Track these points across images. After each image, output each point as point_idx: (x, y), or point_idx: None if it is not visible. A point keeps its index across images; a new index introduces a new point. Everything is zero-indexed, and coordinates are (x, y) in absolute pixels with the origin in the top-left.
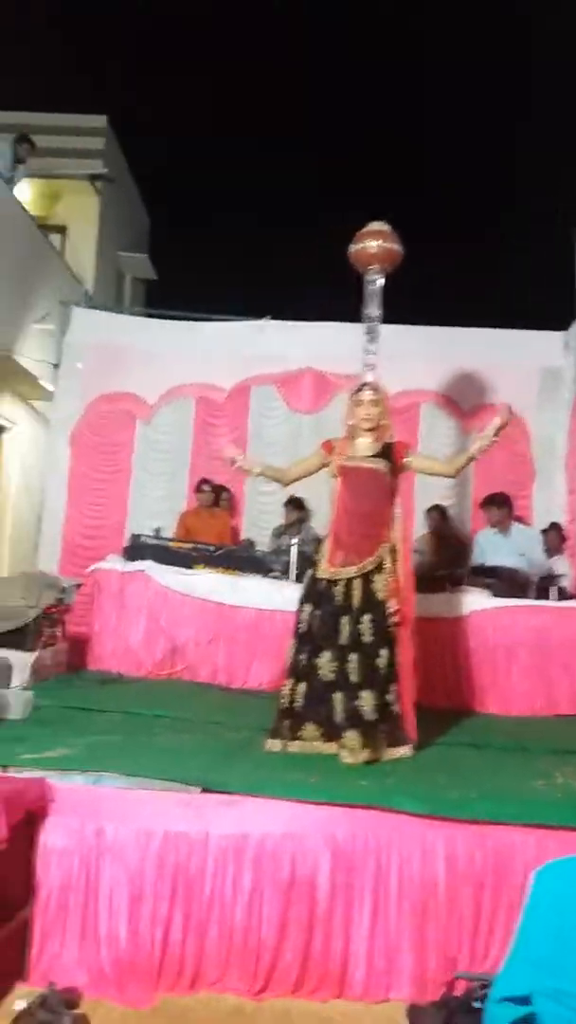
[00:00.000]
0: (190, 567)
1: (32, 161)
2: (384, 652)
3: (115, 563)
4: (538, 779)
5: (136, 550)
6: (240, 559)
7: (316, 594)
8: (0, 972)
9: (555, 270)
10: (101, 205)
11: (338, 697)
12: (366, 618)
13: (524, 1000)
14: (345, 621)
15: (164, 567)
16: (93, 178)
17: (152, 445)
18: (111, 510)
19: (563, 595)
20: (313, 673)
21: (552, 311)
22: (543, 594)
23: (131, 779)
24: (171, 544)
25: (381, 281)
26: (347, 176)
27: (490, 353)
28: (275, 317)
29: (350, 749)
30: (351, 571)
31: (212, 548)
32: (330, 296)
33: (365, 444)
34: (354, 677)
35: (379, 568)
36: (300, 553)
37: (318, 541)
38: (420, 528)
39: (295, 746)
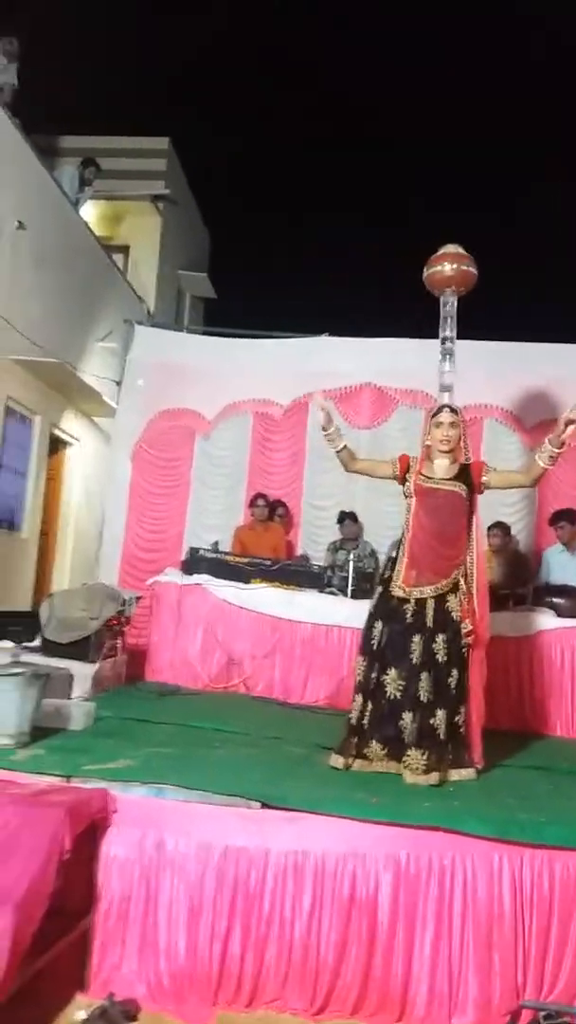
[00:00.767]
0: (247, 581)
1: (96, 183)
2: (456, 672)
3: (173, 576)
4: None
5: (194, 563)
6: (296, 573)
7: (386, 611)
8: (61, 982)
9: None
10: (163, 225)
11: (406, 716)
12: (440, 638)
13: None
14: (417, 640)
15: (221, 581)
16: (155, 199)
17: (210, 460)
18: (170, 524)
19: None
20: (380, 690)
21: None
22: None
23: (192, 792)
24: (228, 558)
25: (455, 303)
26: (405, 196)
27: (556, 368)
28: (333, 334)
29: (413, 769)
30: (426, 591)
31: (269, 562)
32: (389, 312)
33: (443, 466)
34: (424, 696)
35: (454, 588)
36: (356, 568)
37: (374, 556)
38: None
39: (358, 764)
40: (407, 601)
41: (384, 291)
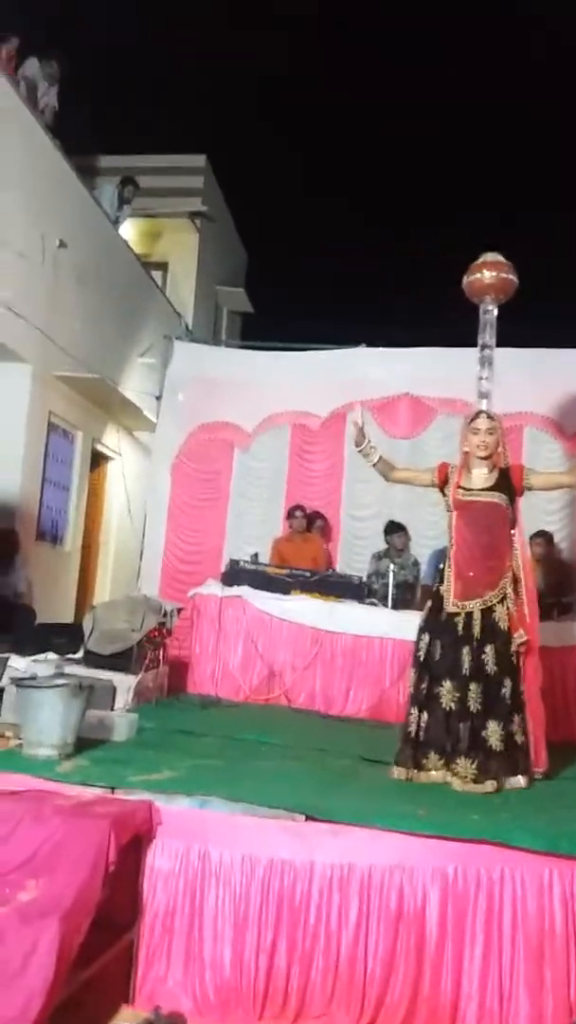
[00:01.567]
0: (287, 592)
1: (135, 201)
2: (508, 682)
3: (213, 588)
4: None
5: (234, 575)
6: (336, 585)
7: (436, 624)
8: (107, 993)
9: None
10: (200, 241)
11: (463, 727)
12: (489, 648)
13: None
14: (466, 651)
15: (261, 592)
16: (193, 216)
17: (249, 472)
18: (209, 536)
19: None
20: (435, 702)
21: None
22: None
23: (236, 804)
24: (268, 569)
25: (495, 311)
26: (447, 205)
27: None
28: (369, 344)
29: (462, 777)
30: (475, 603)
31: (308, 573)
32: (425, 322)
33: (481, 476)
34: (476, 707)
35: (502, 599)
36: (397, 578)
37: (417, 566)
38: None
39: (421, 776)
40: (457, 614)
41: (419, 300)
